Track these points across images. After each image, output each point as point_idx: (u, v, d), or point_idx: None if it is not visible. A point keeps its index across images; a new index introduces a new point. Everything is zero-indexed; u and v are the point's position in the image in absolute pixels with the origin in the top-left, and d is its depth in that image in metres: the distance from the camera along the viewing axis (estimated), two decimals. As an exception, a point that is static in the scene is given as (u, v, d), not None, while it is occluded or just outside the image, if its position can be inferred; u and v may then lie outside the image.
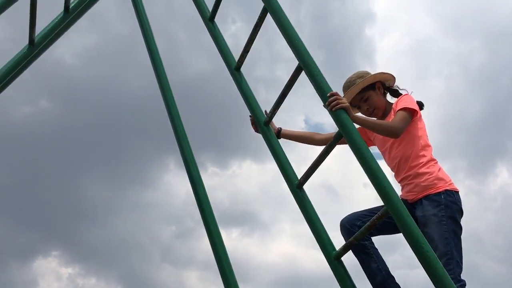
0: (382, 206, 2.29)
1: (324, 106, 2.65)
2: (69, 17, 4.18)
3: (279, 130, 3.63)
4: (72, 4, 4.19)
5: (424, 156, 3.13)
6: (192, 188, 4.29)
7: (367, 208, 3.23)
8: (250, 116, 3.45)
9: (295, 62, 2.86)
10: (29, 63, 3.99)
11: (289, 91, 3.03)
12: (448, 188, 3.05)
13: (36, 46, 3.91)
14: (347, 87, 3.47)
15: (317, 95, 2.73)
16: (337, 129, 2.60)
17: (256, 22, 3.23)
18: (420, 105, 3.28)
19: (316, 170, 2.79)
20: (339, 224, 3.23)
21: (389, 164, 3.31)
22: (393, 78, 3.46)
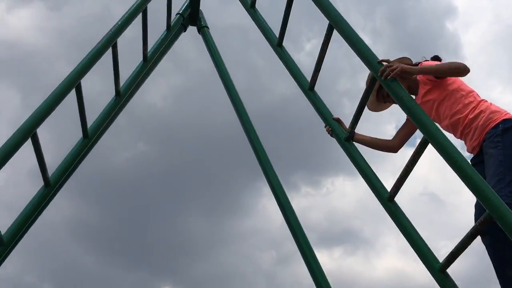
0: None
1: (378, 78, 2.67)
2: (148, 65, 4.45)
3: (352, 134, 3.49)
4: (150, 53, 4.46)
5: (471, 102, 3.05)
6: (283, 215, 4.28)
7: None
8: (325, 126, 3.40)
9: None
10: (118, 112, 4.27)
11: (366, 101, 2.97)
12: (505, 117, 2.93)
13: (123, 96, 4.19)
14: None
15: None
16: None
17: (324, 39, 3.22)
18: (438, 59, 3.28)
19: (410, 179, 2.67)
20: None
21: (445, 129, 3.15)
22: (407, 59, 3.31)
